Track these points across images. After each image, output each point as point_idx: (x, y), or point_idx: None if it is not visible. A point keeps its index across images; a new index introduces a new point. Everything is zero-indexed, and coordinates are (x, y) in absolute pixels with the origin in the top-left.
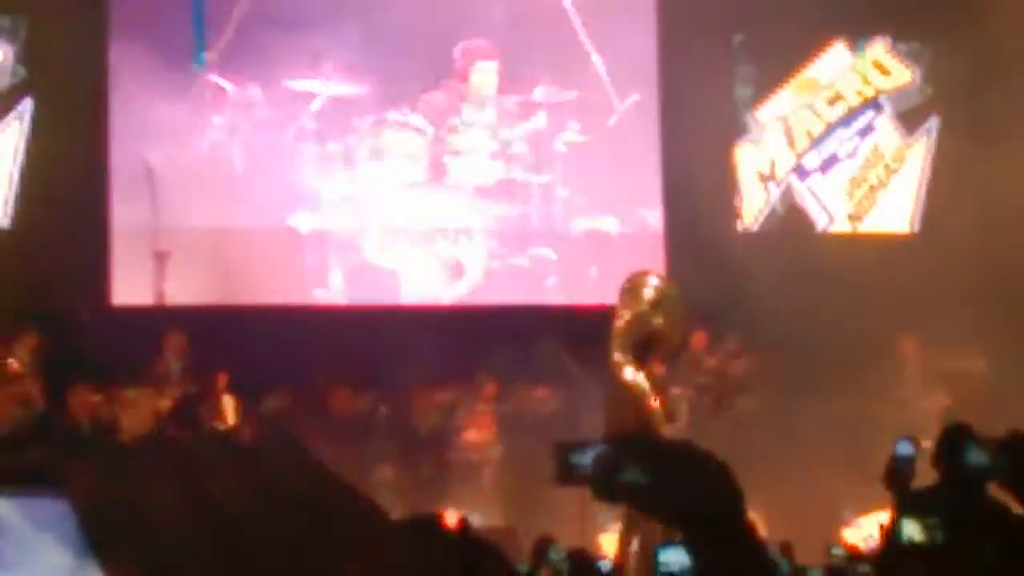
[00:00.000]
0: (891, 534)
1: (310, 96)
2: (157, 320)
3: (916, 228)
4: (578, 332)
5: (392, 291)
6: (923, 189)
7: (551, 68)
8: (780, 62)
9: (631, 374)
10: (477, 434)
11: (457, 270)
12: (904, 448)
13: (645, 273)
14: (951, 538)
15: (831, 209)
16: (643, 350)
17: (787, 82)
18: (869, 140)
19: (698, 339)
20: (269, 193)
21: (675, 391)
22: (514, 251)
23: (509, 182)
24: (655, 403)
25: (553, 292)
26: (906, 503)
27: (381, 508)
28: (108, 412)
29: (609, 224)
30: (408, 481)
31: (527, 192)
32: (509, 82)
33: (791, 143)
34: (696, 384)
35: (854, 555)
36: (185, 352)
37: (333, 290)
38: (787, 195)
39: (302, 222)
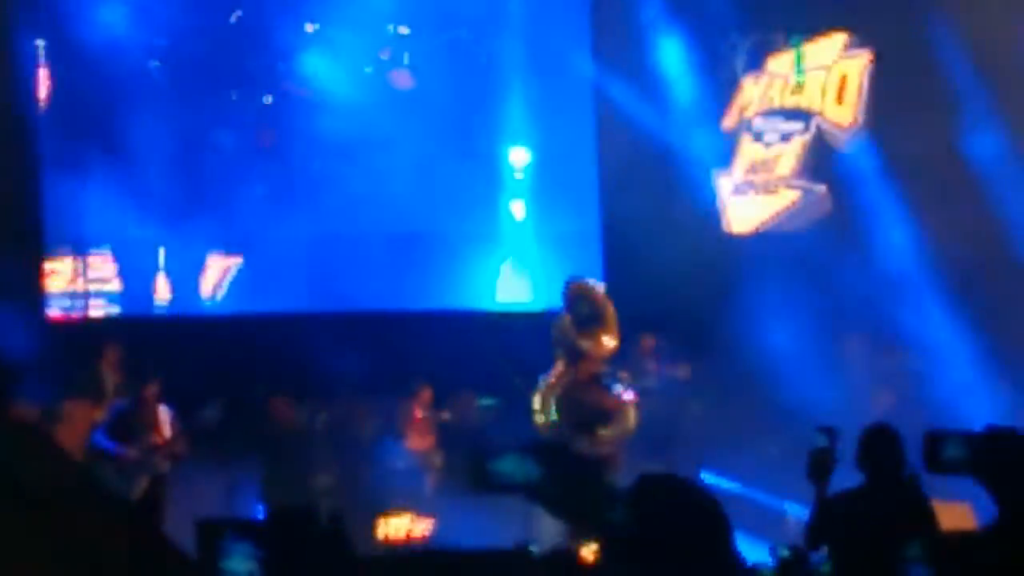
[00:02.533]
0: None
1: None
2: (91, 333)
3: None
4: (518, 337)
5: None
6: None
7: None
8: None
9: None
10: (419, 441)
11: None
12: (822, 440)
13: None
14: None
15: (762, 214)
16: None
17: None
18: (799, 147)
19: (645, 343)
20: (215, 200)
21: (628, 396)
22: None
23: None
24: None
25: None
26: (833, 503)
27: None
28: (44, 426)
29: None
30: (349, 489)
31: None
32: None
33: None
34: (643, 387)
35: (800, 554)
36: (120, 364)
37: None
38: (721, 198)
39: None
